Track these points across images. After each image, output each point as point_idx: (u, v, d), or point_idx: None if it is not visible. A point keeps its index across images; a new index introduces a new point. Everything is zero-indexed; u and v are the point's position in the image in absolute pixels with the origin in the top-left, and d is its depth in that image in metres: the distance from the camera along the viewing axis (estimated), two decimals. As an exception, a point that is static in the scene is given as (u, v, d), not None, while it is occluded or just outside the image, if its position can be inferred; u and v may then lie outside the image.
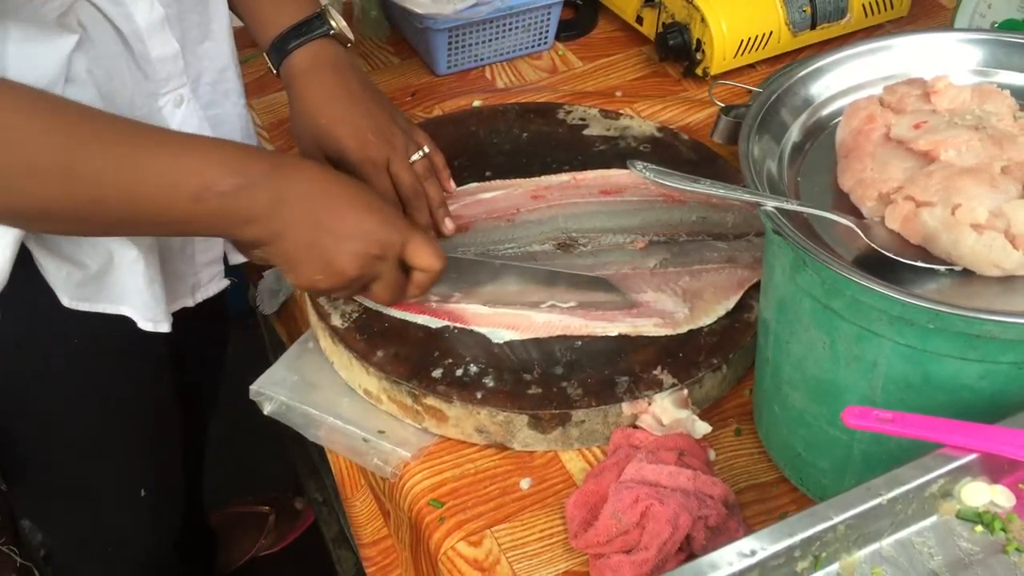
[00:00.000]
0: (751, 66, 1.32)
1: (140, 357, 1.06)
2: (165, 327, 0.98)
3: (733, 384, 0.95)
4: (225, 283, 1.07)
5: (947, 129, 0.74)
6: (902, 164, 0.74)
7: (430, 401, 0.90)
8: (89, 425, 1.09)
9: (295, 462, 1.75)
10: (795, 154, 0.81)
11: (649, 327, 0.93)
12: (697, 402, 0.91)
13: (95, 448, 1.11)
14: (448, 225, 1.02)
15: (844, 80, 0.84)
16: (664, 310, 0.94)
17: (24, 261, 0.89)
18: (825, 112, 0.83)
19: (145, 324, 0.97)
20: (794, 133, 0.81)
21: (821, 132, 0.82)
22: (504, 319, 0.94)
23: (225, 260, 1.07)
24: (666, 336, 0.93)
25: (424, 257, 0.90)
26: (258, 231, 0.83)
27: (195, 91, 0.96)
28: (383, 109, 1.02)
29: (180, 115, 0.94)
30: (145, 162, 0.78)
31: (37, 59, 0.81)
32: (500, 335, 0.93)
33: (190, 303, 1.04)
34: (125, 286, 0.95)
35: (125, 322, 0.96)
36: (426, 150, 1.03)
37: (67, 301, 0.94)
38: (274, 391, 0.97)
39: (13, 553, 1.15)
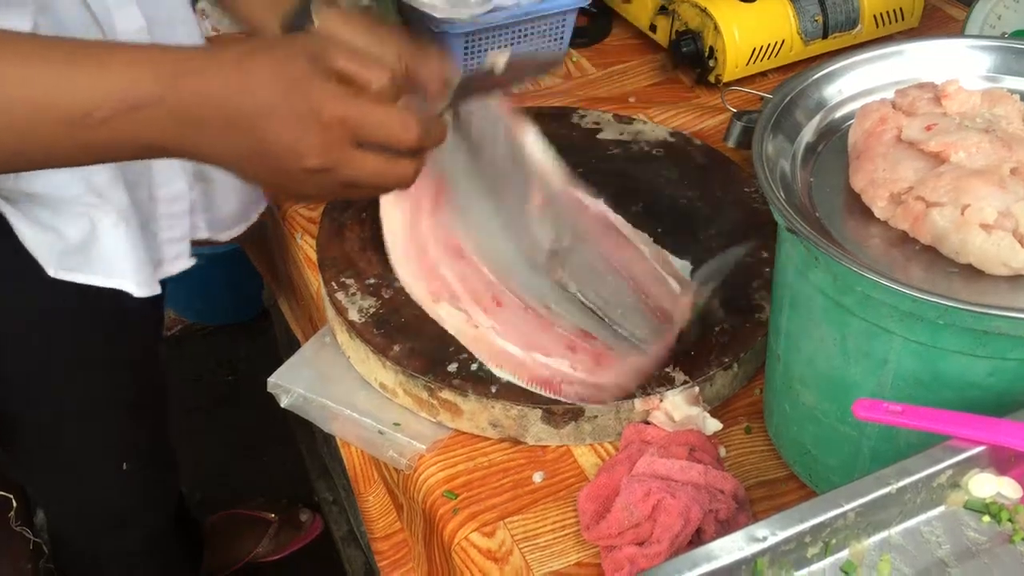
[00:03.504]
0: (763, 74, 1.34)
1: (123, 323, 1.08)
2: (156, 289, 1.00)
3: (744, 383, 0.96)
4: (191, 262, 1.06)
5: (957, 131, 0.75)
6: (913, 165, 0.75)
7: (445, 395, 0.91)
8: (66, 392, 1.10)
9: (305, 462, 1.76)
10: (808, 155, 0.82)
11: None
12: (708, 400, 0.93)
13: (74, 416, 1.13)
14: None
15: (857, 84, 0.85)
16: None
17: (7, 233, 0.90)
18: (838, 114, 0.84)
19: (141, 291, 0.98)
20: (807, 134, 0.83)
21: (834, 134, 0.84)
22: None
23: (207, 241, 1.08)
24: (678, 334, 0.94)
25: (385, 131, 0.68)
26: (180, 155, 0.69)
27: None
28: None
29: None
30: (23, 73, 0.64)
31: None
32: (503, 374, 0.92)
33: (156, 278, 1.04)
34: (112, 254, 0.96)
35: (111, 291, 0.97)
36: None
37: (52, 271, 0.95)
38: (291, 384, 0.98)
39: (26, 532, 1.17)
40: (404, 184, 0.72)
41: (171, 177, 1.03)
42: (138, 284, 0.99)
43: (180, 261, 1.07)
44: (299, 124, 0.66)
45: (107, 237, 0.96)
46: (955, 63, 0.86)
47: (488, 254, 0.97)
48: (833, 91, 0.85)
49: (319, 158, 0.67)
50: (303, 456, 1.73)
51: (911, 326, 0.69)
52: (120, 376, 1.15)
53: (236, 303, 2.14)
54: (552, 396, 0.89)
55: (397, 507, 1.00)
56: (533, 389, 0.90)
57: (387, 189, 0.75)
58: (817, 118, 0.83)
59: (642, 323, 0.94)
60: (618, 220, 1.04)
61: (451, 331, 0.95)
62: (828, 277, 0.73)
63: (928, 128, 0.76)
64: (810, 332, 0.78)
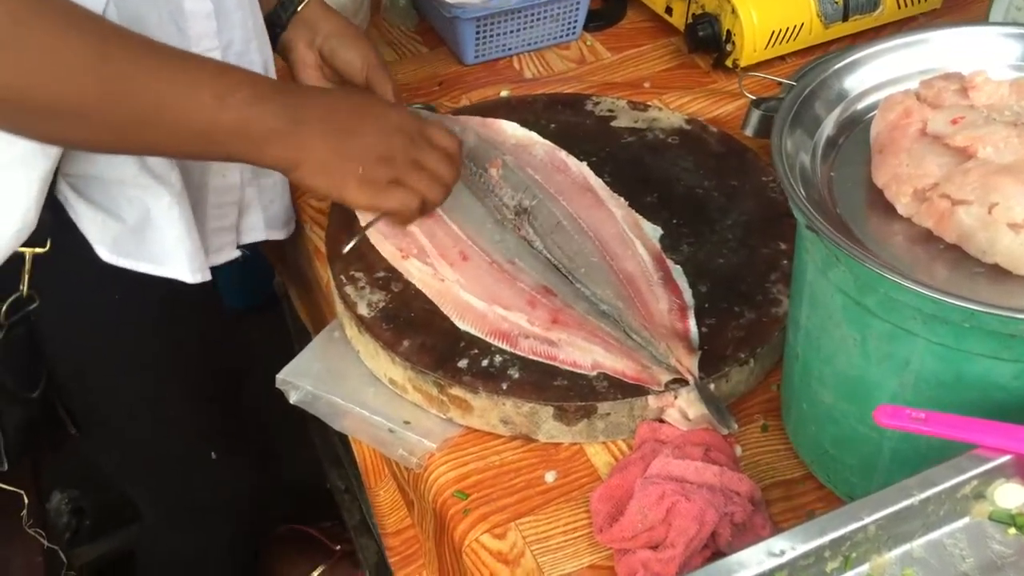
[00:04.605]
0: (781, 58, 1.31)
1: (180, 309, 1.06)
2: (208, 275, 1.00)
3: (760, 379, 0.94)
4: (236, 253, 1.08)
5: (985, 125, 0.73)
6: (938, 160, 0.73)
7: (455, 391, 0.90)
8: (143, 382, 1.10)
9: (318, 449, 1.75)
10: (828, 148, 0.80)
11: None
12: (723, 396, 0.90)
13: (155, 406, 1.13)
14: None
15: (880, 74, 0.82)
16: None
17: (71, 227, 0.92)
18: (860, 106, 0.82)
19: (194, 276, 0.98)
20: (828, 127, 0.80)
21: (856, 126, 0.81)
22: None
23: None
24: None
25: (444, 137, 0.96)
26: (280, 151, 0.86)
27: (224, 58, 0.97)
28: None
29: None
30: (173, 64, 0.81)
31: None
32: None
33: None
34: (165, 240, 0.96)
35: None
36: None
37: (105, 255, 0.95)
38: (300, 380, 0.97)
39: (40, 536, 1.16)
40: (448, 178, 0.96)
41: (225, 168, 1.02)
42: (191, 271, 0.98)
43: (225, 251, 1.06)
44: (391, 110, 0.95)
45: (161, 220, 0.95)
46: (982, 52, 0.83)
47: (456, 212, 1.02)
48: (855, 81, 0.82)
49: (403, 134, 0.93)
50: (315, 443, 1.71)
51: (935, 328, 0.67)
52: (184, 362, 1.13)
53: (247, 287, 2.12)
54: (510, 349, 0.91)
55: (407, 503, 0.99)
56: (492, 342, 0.92)
57: (440, 176, 0.96)
58: (838, 110, 0.81)
59: (604, 283, 0.96)
60: (597, 182, 1.08)
61: (418, 285, 0.97)
62: (849, 277, 0.71)
63: (954, 121, 0.74)
64: (830, 331, 0.75)
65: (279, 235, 1.12)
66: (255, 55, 1.01)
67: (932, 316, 0.66)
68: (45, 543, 1.18)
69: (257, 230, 1.10)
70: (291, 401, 0.98)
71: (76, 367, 1.05)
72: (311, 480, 1.79)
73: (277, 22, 1.07)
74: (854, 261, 0.68)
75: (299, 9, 1.07)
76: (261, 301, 2.15)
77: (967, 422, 0.62)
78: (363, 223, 0.99)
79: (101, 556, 1.72)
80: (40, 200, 0.89)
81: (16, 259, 0.92)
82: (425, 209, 0.96)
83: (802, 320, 0.80)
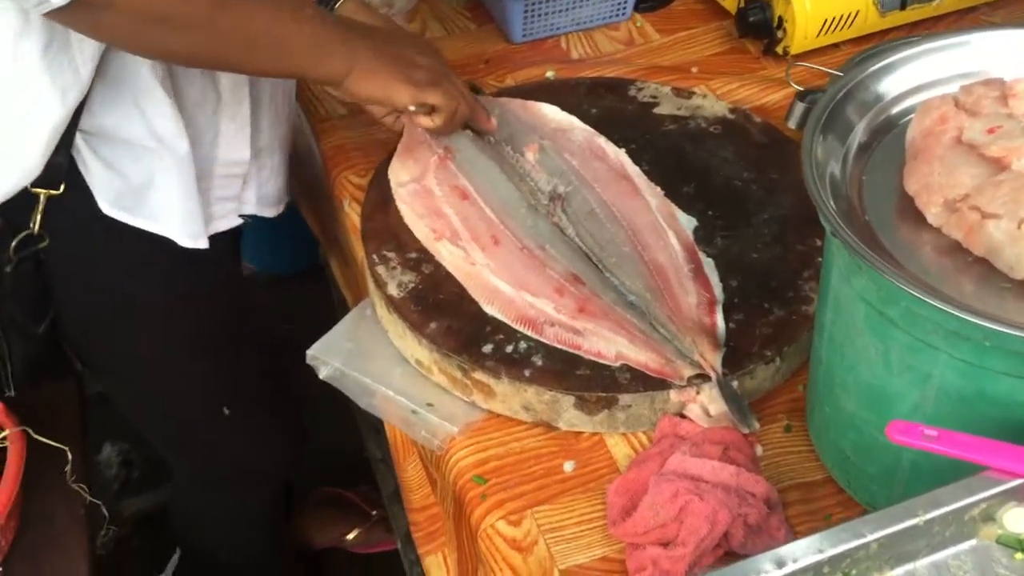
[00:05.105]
0: (835, 46, 1.28)
1: (185, 266, 1.08)
2: (203, 243, 1.03)
3: (787, 377, 0.94)
4: (238, 220, 1.11)
5: (1022, 136, 0.71)
6: (971, 170, 0.71)
7: (478, 376, 0.91)
8: (150, 335, 1.13)
9: (356, 418, 1.77)
10: (861, 153, 0.78)
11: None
12: (747, 393, 0.90)
13: (162, 362, 1.15)
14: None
15: (917, 76, 0.81)
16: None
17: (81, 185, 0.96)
18: (895, 110, 0.80)
19: (184, 240, 1.02)
20: (860, 132, 0.79)
21: (890, 130, 0.80)
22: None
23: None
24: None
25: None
26: (336, 61, 0.95)
27: None
28: None
29: None
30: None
31: None
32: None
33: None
34: (164, 201, 1.00)
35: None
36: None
37: (107, 208, 0.99)
38: (330, 357, 0.99)
39: (83, 491, 1.20)
40: (463, 112, 1.06)
41: (237, 144, 1.05)
42: (186, 234, 1.02)
43: (228, 219, 1.09)
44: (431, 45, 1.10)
45: (163, 182, 0.99)
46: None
47: (491, 196, 1.03)
48: (891, 85, 0.81)
49: (441, 64, 1.06)
50: (353, 412, 1.74)
51: (956, 344, 0.66)
52: (191, 318, 1.15)
53: (295, 253, 2.15)
54: (535, 336, 0.92)
55: (431, 481, 1.00)
56: (518, 328, 0.93)
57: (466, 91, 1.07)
58: (871, 113, 0.79)
59: (634, 274, 0.96)
60: (634, 170, 1.08)
61: (448, 267, 0.99)
62: (872, 287, 0.70)
63: (991, 131, 0.72)
64: (853, 338, 0.75)
65: (269, 213, 1.15)
66: None
67: (953, 332, 0.66)
68: (87, 498, 1.22)
69: (249, 204, 1.12)
70: (321, 376, 1.00)
71: (83, 312, 1.08)
72: (350, 446, 1.82)
73: None
74: (876, 272, 0.67)
75: (334, 8, 1.08)
76: (307, 267, 2.18)
77: (980, 443, 0.61)
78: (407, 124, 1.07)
79: (144, 509, 1.76)
80: (49, 146, 0.93)
81: (31, 198, 0.96)
82: (458, 116, 1.04)
83: (827, 324, 0.79)
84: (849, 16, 1.25)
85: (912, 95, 0.80)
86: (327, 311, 1.73)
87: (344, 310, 1.30)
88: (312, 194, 1.34)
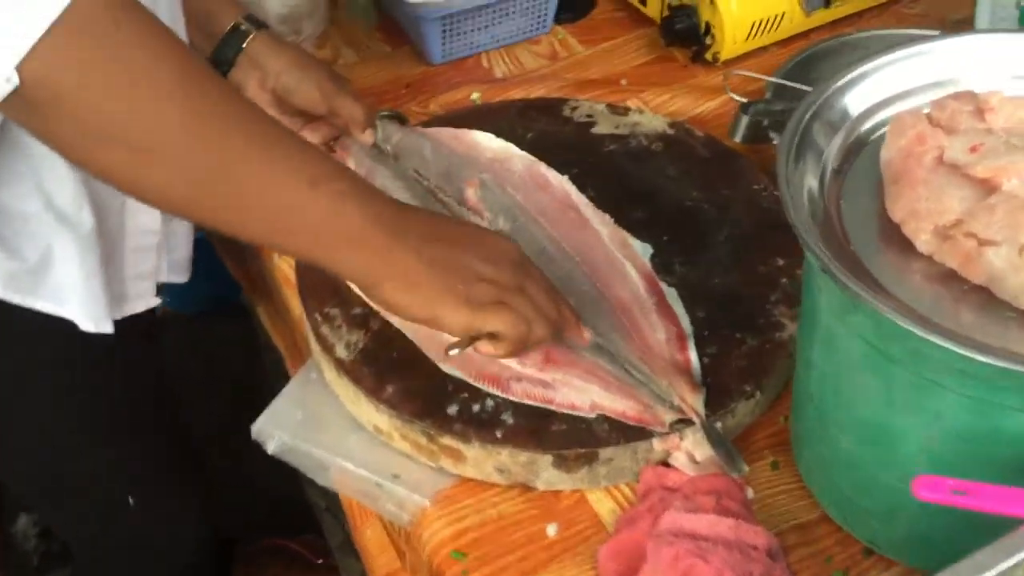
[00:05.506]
0: (763, 49, 1.25)
1: (75, 345, 0.98)
2: (107, 327, 0.93)
3: (764, 409, 0.90)
4: (156, 301, 1.02)
5: (1007, 153, 0.68)
6: (958, 193, 0.68)
7: (446, 441, 0.84)
8: (52, 417, 1.04)
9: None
10: (835, 176, 0.74)
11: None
12: (728, 432, 0.86)
13: (47, 435, 1.06)
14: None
15: (881, 90, 0.77)
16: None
17: None
18: (863, 127, 0.76)
19: (86, 324, 0.92)
20: (832, 155, 0.74)
21: (861, 149, 0.76)
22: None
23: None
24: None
25: (543, 276, 0.85)
26: (363, 259, 0.75)
27: None
28: None
29: None
30: (268, 133, 0.71)
31: None
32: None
33: (116, 315, 0.96)
34: (64, 282, 0.91)
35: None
36: None
37: (0, 291, 0.90)
38: (277, 430, 0.91)
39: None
40: (553, 314, 0.83)
41: (143, 209, 0.95)
42: (88, 318, 0.92)
43: (144, 299, 0.99)
44: (507, 243, 0.84)
45: (61, 263, 0.90)
46: (988, 61, 0.77)
47: None
48: (855, 101, 0.76)
49: (515, 271, 0.81)
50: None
51: (966, 381, 0.63)
52: (97, 402, 1.07)
53: (213, 290, 2.04)
54: (501, 394, 0.85)
55: (398, 550, 0.94)
56: (481, 386, 0.86)
57: (545, 308, 0.82)
58: (842, 135, 0.75)
59: (597, 314, 0.90)
60: (580, 199, 1.01)
61: (397, 326, 0.90)
62: (869, 324, 0.66)
63: (973, 149, 0.69)
64: (849, 376, 0.71)
65: (180, 279, 1.06)
66: None
67: (961, 370, 0.62)
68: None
69: (160, 273, 1.03)
70: (269, 451, 0.92)
71: None
72: (287, 489, 1.73)
73: (223, 60, 1.01)
74: (877, 312, 0.63)
75: (244, 45, 1.00)
76: (227, 306, 2.07)
77: (1015, 494, 0.57)
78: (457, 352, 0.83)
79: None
80: None
81: None
82: (529, 342, 0.81)
83: (815, 360, 0.75)
84: (776, 18, 1.22)
85: (879, 110, 0.76)
86: (250, 355, 1.63)
87: (272, 355, 1.22)
88: (228, 239, 1.25)
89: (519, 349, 0.81)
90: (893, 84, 0.78)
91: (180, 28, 0.92)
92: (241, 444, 1.01)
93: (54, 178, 0.86)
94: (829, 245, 0.67)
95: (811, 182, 0.72)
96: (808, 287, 0.75)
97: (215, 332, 1.95)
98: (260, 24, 1.02)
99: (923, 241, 0.68)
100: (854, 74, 0.77)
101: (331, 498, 1.54)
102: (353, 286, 0.87)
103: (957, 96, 0.73)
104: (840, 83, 0.76)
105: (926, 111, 0.73)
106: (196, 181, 0.69)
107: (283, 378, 1.13)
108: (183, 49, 0.69)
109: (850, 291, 0.64)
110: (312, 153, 0.74)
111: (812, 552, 0.80)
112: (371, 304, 0.92)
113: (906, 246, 0.69)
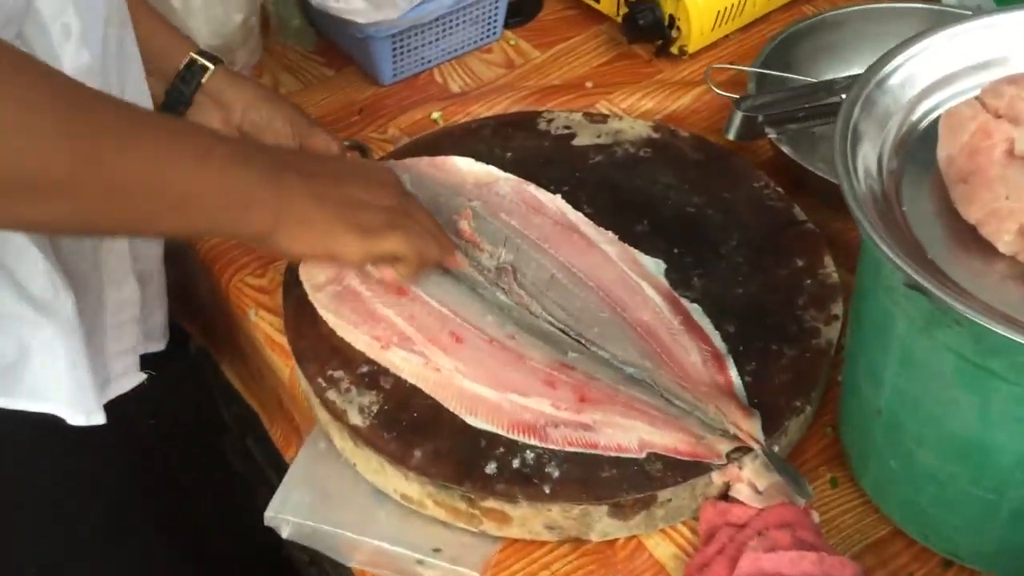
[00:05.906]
0: (726, 38, 1.20)
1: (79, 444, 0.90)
2: (99, 418, 0.84)
3: (811, 422, 0.85)
4: (140, 377, 0.92)
5: (1083, 140, 0.64)
6: (1039, 187, 0.64)
7: (489, 504, 0.77)
8: (43, 531, 0.92)
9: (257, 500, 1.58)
10: (891, 178, 0.69)
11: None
12: (782, 452, 0.81)
13: (60, 562, 0.95)
14: None
15: (926, 75, 0.72)
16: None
17: None
18: (912, 118, 0.72)
19: (76, 418, 0.82)
20: (886, 155, 0.70)
21: (910, 146, 0.71)
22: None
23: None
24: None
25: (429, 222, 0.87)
26: (264, 212, 0.75)
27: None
28: None
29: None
30: (148, 124, 0.71)
31: None
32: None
33: (103, 400, 0.87)
34: (46, 375, 0.81)
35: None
36: None
37: None
38: (292, 513, 0.82)
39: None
40: (433, 253, 0.85)
41: (121, 279, 0.86)
42: (78, 410, 0.82)
43: (129, 377, 0.89)
44: (384, 171, 0.89)
45: (39, 357, 0.79)
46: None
47: (431, 286, 0.88)
48: (898, 93, 0.72)
49: (399, 195, 0.85)
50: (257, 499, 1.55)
51: (1081, 391, 0.59)
52: (90, 509, 0.96)
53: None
54: (540, 444, 0.79)
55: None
56: (514, 437, 0.79)
57: (433, 229, 0.86)
58: (892, 131, 0.70)
59: (623, 341, 0.84)
60: (579, 218, 0.95)
61: (409, 378, 0.83)
62: (967, 338, 0.61)
63: (1046, 138, 0.65)
64: (935, 393, 0.66)
65: (156, 347, 0.97)
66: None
67: (1076, 379, 0.58)
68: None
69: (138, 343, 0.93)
70: (284, 536, 0.83)
71: None
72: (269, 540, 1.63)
73: (179, 99, 0.92)
74: (982, 327, 0.58)
75: (203, 81, 0.92)
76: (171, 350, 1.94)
77: None
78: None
79: None
80: None
81: None
82: (427, 259, 0.85)
83: (888, 376, 0.70)
84: (739, 4, 1.17)
85: (924, 99, 0.72)
86: (198, 398, 1.52)
87: (239, 406, 1.12)
88: (184, 295, 1.15)
89: (419, 267, 0.84)
90: (934, 69, 0.73)
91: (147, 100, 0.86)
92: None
93: (24, 265, 0.75)
94: (912, 259, 0.62)
95: (873, 190, 0.67)
96: (870, 301, 0.70)
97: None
98: (215, 59, 0.93)
99: (1006, 242, 0.64)
100: (894, 64, 0.72)
101: (313, 551, 1.45)
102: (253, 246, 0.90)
103: (1012, 80, 0.68)
104: (878, 77, 0.71)
105: (976, 97, 0.69)
106: (99, 207, 0.69)
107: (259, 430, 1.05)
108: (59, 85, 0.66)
109: (947, 306, 0.59)
110: (187, 128, 0.78)
111: (891, 571, 0.76)
112: (376, 361, 0.84)
113: (982, 249, 0.65)
